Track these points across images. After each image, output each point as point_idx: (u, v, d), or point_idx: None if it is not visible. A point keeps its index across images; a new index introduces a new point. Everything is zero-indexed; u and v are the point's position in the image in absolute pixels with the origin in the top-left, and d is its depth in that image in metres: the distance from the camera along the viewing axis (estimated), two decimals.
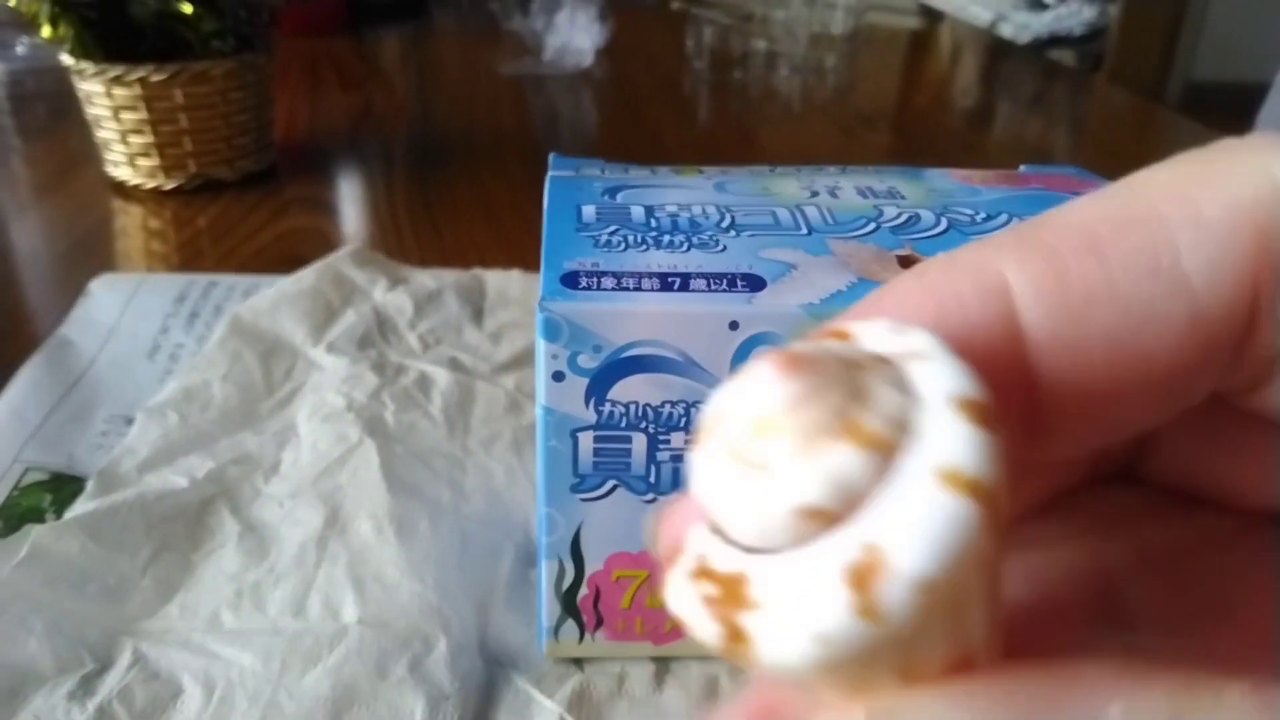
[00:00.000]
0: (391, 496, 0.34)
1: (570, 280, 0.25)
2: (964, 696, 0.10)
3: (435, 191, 0.63)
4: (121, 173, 0.60)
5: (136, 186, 0.60)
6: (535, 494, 0.35)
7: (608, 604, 0.29)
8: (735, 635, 0.10)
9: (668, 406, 0.26)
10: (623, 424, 0.26)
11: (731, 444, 0.11)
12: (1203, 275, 0.12)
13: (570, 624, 0.29)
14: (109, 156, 0.60)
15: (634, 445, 0.26)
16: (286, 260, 0.52)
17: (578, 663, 0.30)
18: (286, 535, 0.33)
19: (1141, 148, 0.76)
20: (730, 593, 0.11)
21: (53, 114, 0.75)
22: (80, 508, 0.33)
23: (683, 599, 0.11)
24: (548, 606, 0.29)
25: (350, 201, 0.62)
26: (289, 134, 0.71)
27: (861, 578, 0.10)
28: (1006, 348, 0.12)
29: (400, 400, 0.40)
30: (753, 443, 0.11)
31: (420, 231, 0.57)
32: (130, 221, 0.57)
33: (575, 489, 0.27)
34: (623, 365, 0.25)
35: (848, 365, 0.11)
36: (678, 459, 0.27)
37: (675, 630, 0.30)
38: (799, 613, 0.10)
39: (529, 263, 0.50)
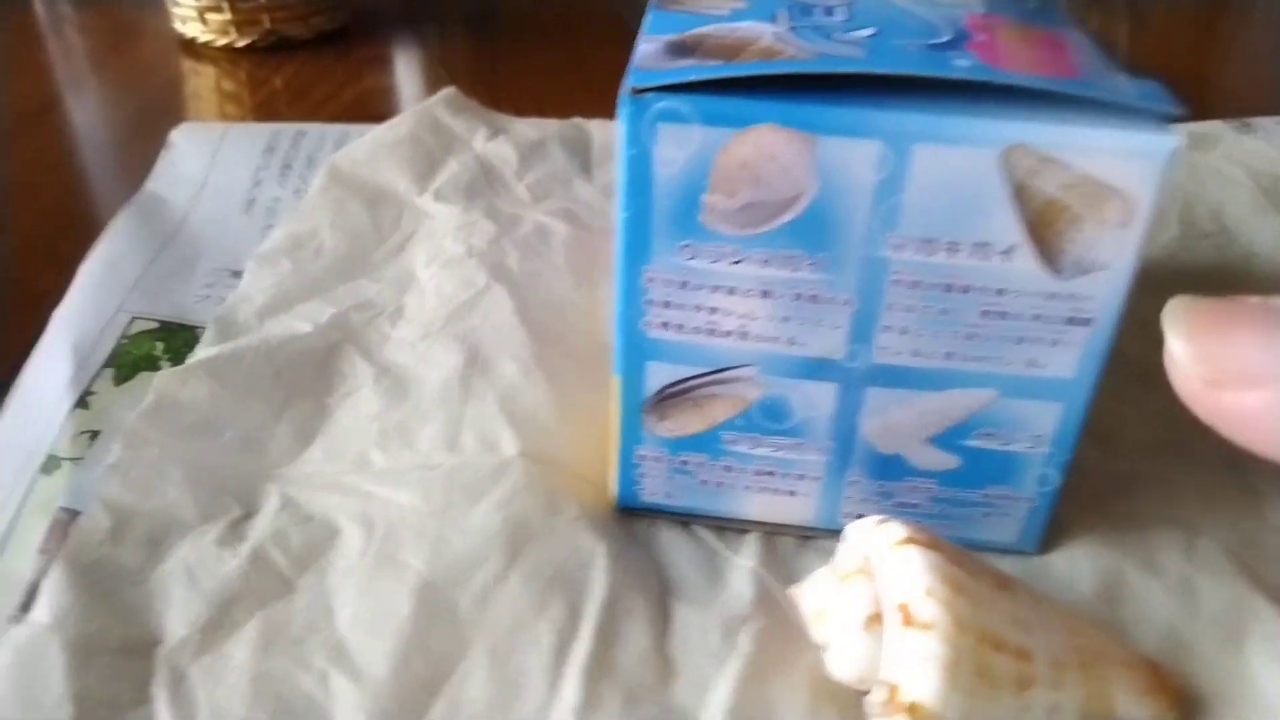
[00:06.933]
0: (533, 341, 0.32)
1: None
2: None
3: (527, 49, 0.59)
4: (191, 29, 0.56)
5: (207, 44, 0.56)
6: None
7: None
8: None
9: None
10: None
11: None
12: None
13: None
14: (177, 11, 0.56)
15: None
16: (369, 121, 0.49)
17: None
18: (425, 375, 0.30)
19: None
20: None
21: None
22: (201, 353, 0.30)
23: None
24: None
25: (435, 60, 0.58)
26: None
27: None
28: None
29: (522, 249, 0.37)
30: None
31: (514, 92, 0.53)
32: (202, 82, 0.54)
33: None
34: None
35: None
36: None
37: None
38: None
39: None
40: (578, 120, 0.46)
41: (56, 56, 0.59)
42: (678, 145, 0.20)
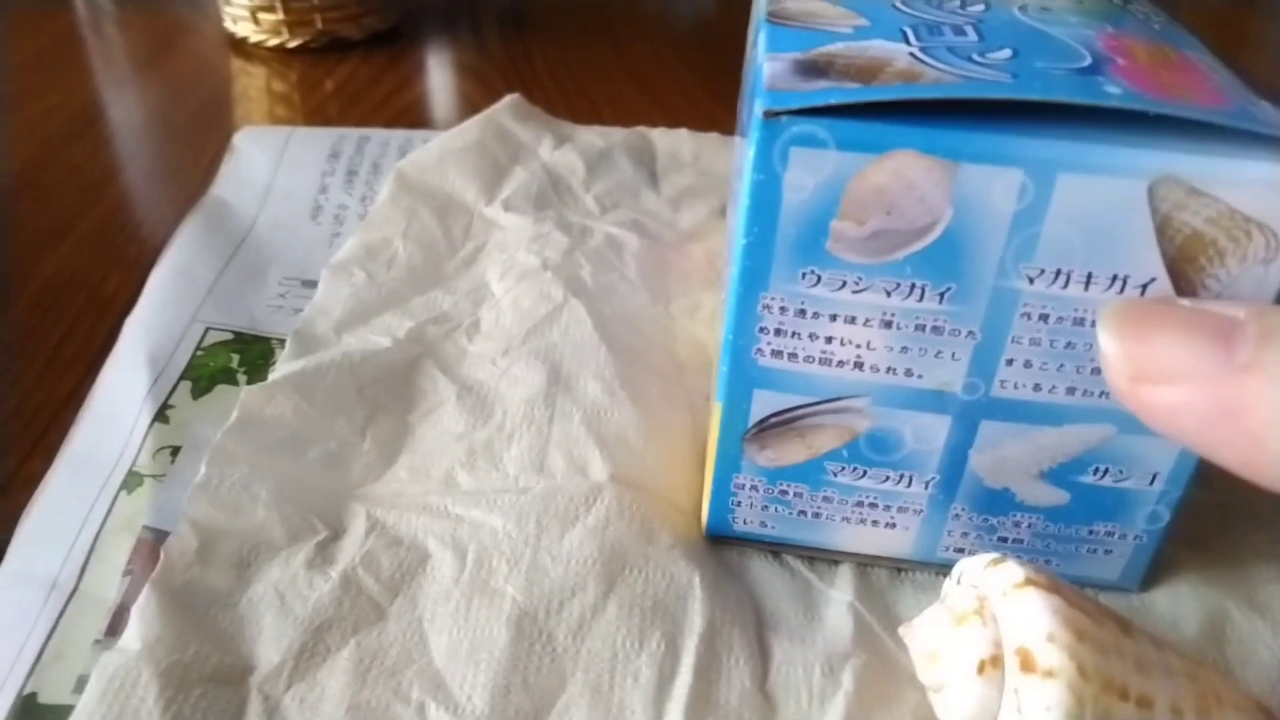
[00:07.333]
0: (614, 359, 0.31)
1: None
2: None
3: (577, 51, 0.58)
4: (243, 29, 0.56)
5: (258, 44, 0.56)
6: None
7: None
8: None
9: None
10: None
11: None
12: None
13: None
14: (228, 11, 0.56)
15: None
16: (426, 125, 0.49)
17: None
18: (508, 393, 0.30)
19: None
20: None
21: None
22: (285, 368, 0.30)
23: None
24: None
25: (489, 63, 0.57)
26: None
27: None
28: None
29: (595, 262, 0.36)
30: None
31: (569, 95, 0.52)
32: (252, 83, 0.53)
33: None
34: None
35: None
36: None
37: None
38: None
39: (687, 123, 0.46)
40: (641, 129, 0.46)
41: (102, 56, 0.58)
42: (809, 170, 0.19)
